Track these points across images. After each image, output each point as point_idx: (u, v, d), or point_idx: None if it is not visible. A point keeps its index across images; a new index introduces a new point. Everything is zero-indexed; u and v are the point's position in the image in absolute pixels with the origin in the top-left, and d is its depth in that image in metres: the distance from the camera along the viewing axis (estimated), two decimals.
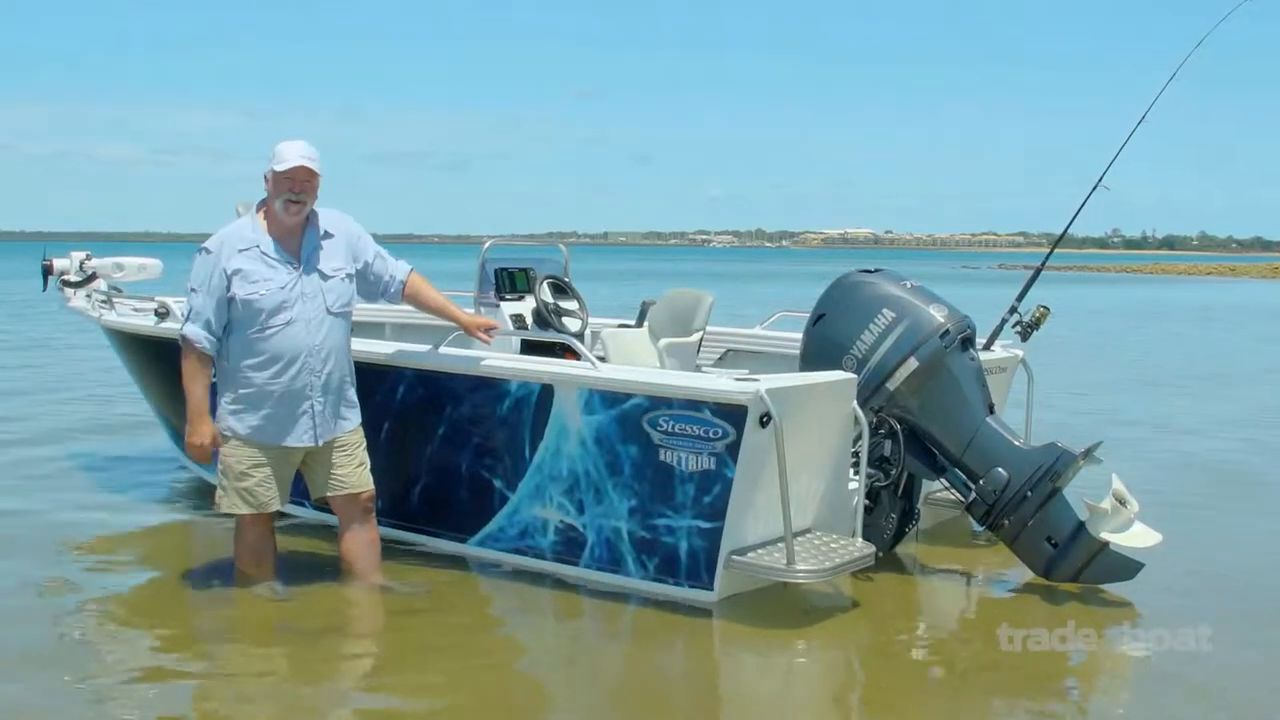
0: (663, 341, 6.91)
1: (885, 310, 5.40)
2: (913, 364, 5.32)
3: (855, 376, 5.28)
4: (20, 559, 5.67)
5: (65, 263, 7.16)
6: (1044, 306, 6.25)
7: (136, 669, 4.36)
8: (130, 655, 4.52)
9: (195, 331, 4.83)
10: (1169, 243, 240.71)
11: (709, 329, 7.13)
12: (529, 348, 6.56)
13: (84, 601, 5.12)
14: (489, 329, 5.33)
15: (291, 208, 4.86)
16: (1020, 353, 6.51)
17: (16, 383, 12.31)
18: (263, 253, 4.86)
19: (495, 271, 7.34)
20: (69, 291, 7.15)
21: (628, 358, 6.51)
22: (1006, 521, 5.34)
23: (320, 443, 4.98)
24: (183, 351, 4.88)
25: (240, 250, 4.84)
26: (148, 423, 7.96)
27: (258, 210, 4.98)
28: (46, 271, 7.15)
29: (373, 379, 5.45)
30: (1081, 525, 5.23)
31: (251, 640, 4.68)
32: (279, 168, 4.83)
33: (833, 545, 5.00)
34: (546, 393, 5.13)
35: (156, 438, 7.83)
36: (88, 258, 7.19)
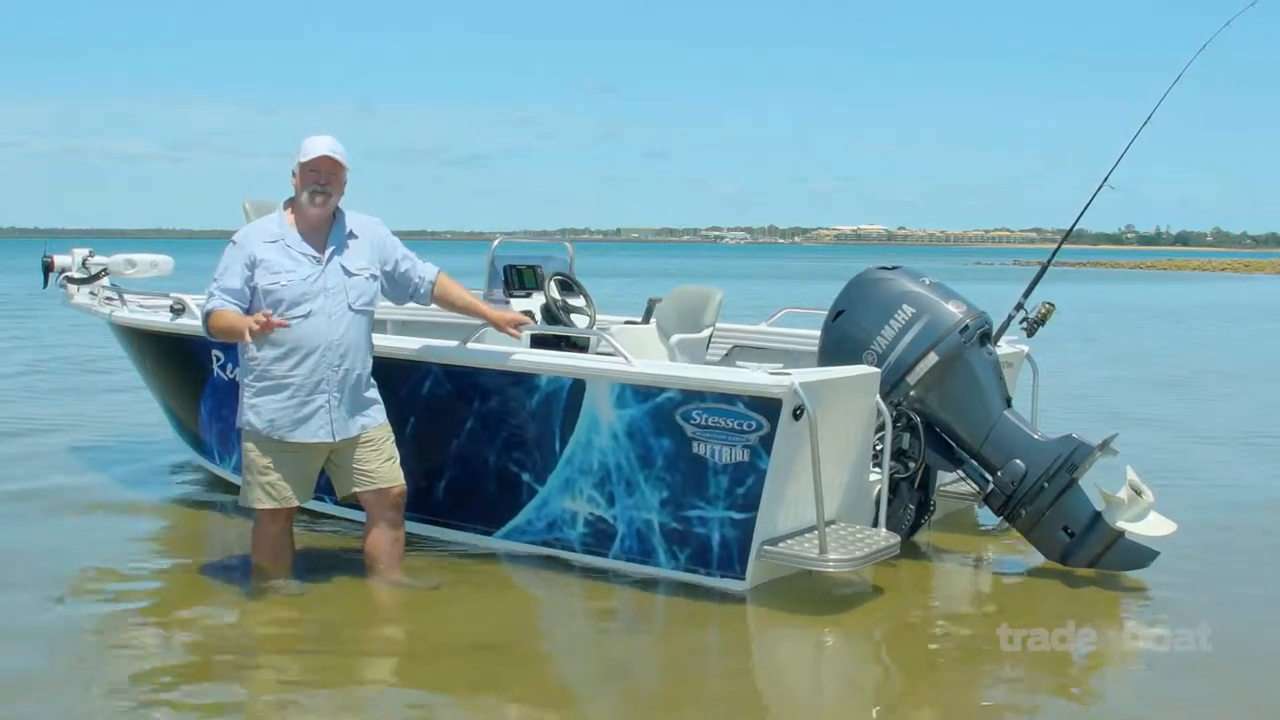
0: (674, 338, 7.32)
1: (905, 306, 5.90)
2: (932, 359, 5.83)
3: (879, 370, 5.79)
4: (29, 559, 5.95)
5: (66, 259, 7.50)
6: (1049, 303, 6.62)
7: (149, 668, 4.59)
8: (143, 653, 4.75)
9: (219, 302, 5.22)
10: (1183, 239, 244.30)
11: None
12: (536, 343, 7.03)
13: (96, 601, 5.39)
14: (518, 324, 5.73)
15: (317, 199, 5.29)
16: (1026, 348, 7.01)
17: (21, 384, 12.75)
18: (288, 245, 5.29)
19: (504, 268, 7.73)
20: (71, 288, 7.47)
21: (637, 354, 6.94)
22: (1024, 512, 5.84)
23: (338, 439, 5.33)
24: (207, 324, 5.26)
25: (266, 242, 5.29)
26: (157, 421, 8.27)
27: (285, 207, 5.42)
28: (47, 268, 7.49)
29: (399, 374, 5.85)
30: (1098, 515, 5.74)
31: (265, 637, 4.96)
32: (304, 159, 5.27)
33: (858, 536, 5.49)
34: (578, 387, 5.56)
35: (166, 436, 8.18)
36: (90, 254, 7.51)
